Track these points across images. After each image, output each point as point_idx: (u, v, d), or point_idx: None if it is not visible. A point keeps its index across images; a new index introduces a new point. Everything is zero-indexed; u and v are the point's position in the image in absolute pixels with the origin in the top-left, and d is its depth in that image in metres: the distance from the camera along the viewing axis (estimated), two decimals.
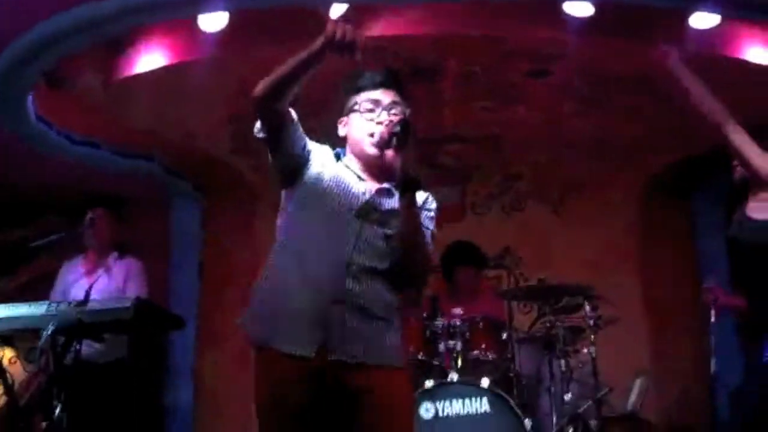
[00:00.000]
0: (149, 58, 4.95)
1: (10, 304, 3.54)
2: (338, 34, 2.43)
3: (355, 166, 2.77)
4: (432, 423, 4.37)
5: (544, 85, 5.53)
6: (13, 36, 4.55)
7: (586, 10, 4.54)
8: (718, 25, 4.68)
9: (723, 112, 3.49)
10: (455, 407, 4.41)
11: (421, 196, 2.74)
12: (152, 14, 4.56)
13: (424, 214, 2.77)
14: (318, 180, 2.70)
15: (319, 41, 2.47)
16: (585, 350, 4.89)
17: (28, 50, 4.60)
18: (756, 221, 3.55)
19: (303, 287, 2.59)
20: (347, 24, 2.46)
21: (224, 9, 4.51)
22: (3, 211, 6.58)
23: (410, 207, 2.62)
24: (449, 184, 6.81)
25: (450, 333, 4.73)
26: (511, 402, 4.44)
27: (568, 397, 4.75)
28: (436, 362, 4.74)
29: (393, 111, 2.73)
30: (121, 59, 5.01)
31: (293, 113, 2.66)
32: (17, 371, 3.71)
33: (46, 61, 4.74)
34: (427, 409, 4.39)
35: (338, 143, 2.86)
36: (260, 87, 2.57)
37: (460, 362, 4.68)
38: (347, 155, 2.81)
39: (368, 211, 2.68)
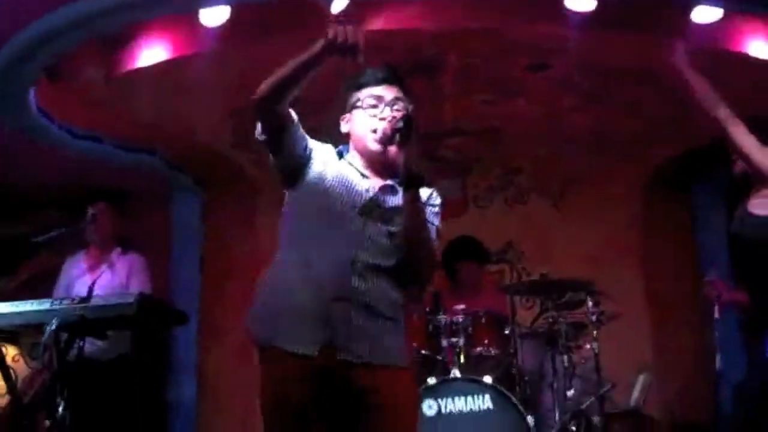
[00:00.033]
0: (151, 53, 4.93)
1: (13, 302, 3.53)
2: (340, 37, 2.42)
3: (358, 163, 2.77)
4: (435, 420, 4.36)
5: (544, 78, 5.52)
6: (13, 32, 4.54)
7: (588, 5, 4.52)
8: (720, 20, 4.66)
9: (724, 107, 3.49)
10: (458, 404, 4.41)
11: (425, 191, 2.73)
12: (152, 9, 4.55)
13: (429, 209, 2.76)
14: (320, 179, 2.69)
15: (320, 43, 2.46)
16: (587, 346, 4.89)
17: (28, 46, 4.59)
18: (757, 217, 3.56)
19: (307, 286, 2.58)
20: (349, 25, 2.45)
21: (225, 3, 4.49)
22: (3, 206, 6.57)
23: (414, 203, 2.62)
24: (449, 177, 6.81)
25: (452, 329, 4.72)
26: (514, 399, 4.44)
27: (570, 393, 4.76)
28: (438, 358, 4.75)
29: (396, 107, 2.73)
30: (122, 53, 4.99)
31: (293, 114, 2.65)
32: (20, 368, 3.71)
33: (46, 57, 4.73)
34: (429, 406, 4.38)
35: (340, 140, 2.86)
36: (260, 89, 2.56)
37: (462, 358, 4.67)
38: (350, 152, 2.81)
39: (372, 208, 2.68)
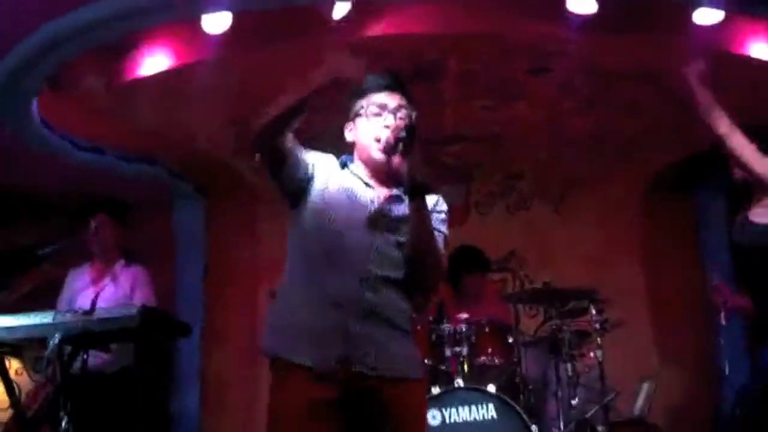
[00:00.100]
0: (152, 61, 4.92)
1: (16, 315, 3.51)
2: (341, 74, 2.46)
3: (363, 172, 2.76)
4: (439, 430, 4.35)
5: (544, 82, 5.50)
6: (16, 41, 4.52)
7: (589, 7, 4.51)
8: (722, 21, 4.65)
9: (725, 120, 3.48)
10: (462, 414, 4.39)
11: (431, 198, 2.72)
12: (154, 17, 4.53)
13: (435, 216, 2.76)
14: (324, 193, 2.69)
15: (319, 78, 2.47)
16: (591, 354, 4.88)
17: (31, 56, 4.57)
18: (757, 225, 3.56)
19: (319, 301, 2.58)
20: (348, 62, 2.45)
21: (227, 10, 4.48)
22: (6, 216, 6.56)
23: (420, 212, 2.61)
24: (450, 183, 6.79)
25: (456, 338, 4.71)
26: (518, 408, 4.42)
27: (575, 401, 4.74)
28: (442, 368, 4.73)
29: (399, 114, 2.72)
30: (124, 62, 4.99)
31: (292, 141, 2.64)
32: (24, 382, 3.70)
33: (49, 66, 4.71)
34: (434, 416, 4.36)
35: (344, 149, 2.84)
36: (259, 126, 2.57)
37: (466, 368, 4.66)
38: (354, 161, 2.80)
39: (378, 219, 2.67)
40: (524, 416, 4.39)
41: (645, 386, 5.25)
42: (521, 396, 4.72)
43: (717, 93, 3.52)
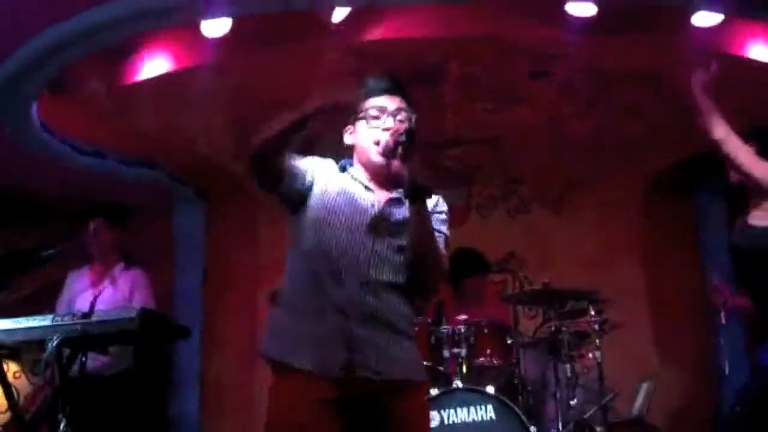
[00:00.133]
0: (152, 65, 4.94)
1: (14, 318, 3.51)
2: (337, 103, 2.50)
3: (362, 175, 2.75)
4: (438, 431, 4.34)
5: (545, 85, 5.51)
6: (17, 46, 4.53)
7: (589, 10, 4.51)
8: (721, 24, 4.66)
9: (723, 126, 3.49)
10: (461, 415, 4.39)
11: (431, 200, 2.72)
12: (154, 21, 4.54)
13: (435, 216, 2.75)
14: (324, 199, 2.68)
15: (315, 103, 2.49)
16: (590, 355, 4.87)
17: (32, 60, 4.59)
18: (755, 228, 3.57)
19: (319, 305, 2.58)
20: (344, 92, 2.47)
21: (227, 14, 4.48)
22: (6, 219, 6.56)
23: (420, 215, 2.60)
24: (451, 187, 6.79)
25: (455, 339, 4.70)
26: (517, 409, 4.42)
27: (573, 402, 4.73)
28: (441, 369, 4.72)
29: (399, 117, 2.72)
30: (124, 66, 5.00)
31: (289, 157, 2.65)
32: (22, 385, 3.69)
33: (49, 70, 4.72)
34: (432, 418, 4.34)
35: (344, 152, 2.84)
36: (256, 149, 2.59)
37: (465, 369, 4.66)
38: (354, 165, 2.80)
39: (380, 223, 2.66)
40: (523, 417, 4.39)
41: (644, 386, 5.23)
42: (520, 397, 4.71)
43: (717, 95, 3.52)
